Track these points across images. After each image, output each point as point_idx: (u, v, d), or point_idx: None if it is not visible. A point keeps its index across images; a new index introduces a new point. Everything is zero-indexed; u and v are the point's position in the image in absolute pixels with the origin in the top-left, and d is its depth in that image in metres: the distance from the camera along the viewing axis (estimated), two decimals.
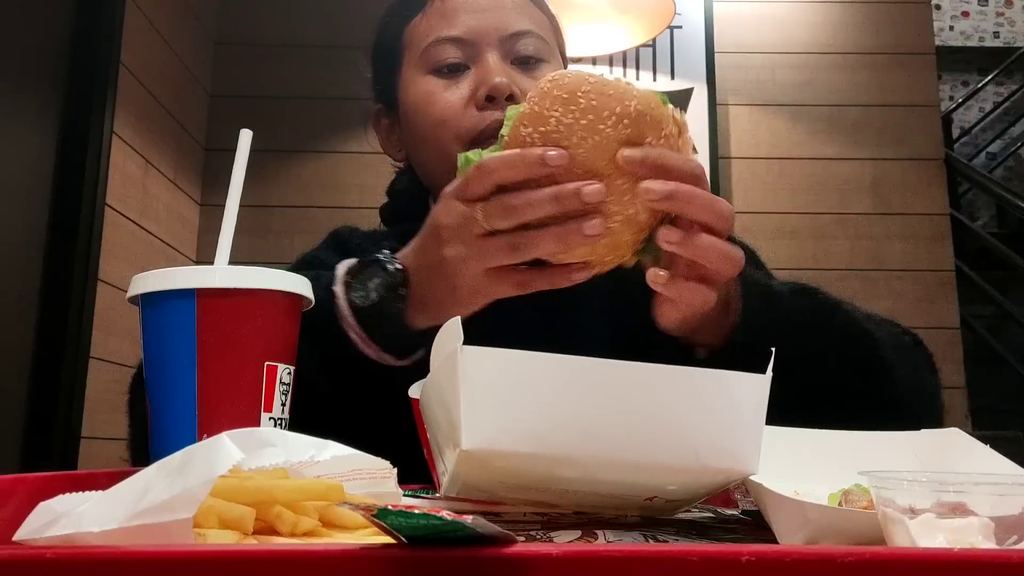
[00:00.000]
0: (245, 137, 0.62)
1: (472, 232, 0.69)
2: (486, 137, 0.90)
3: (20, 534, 0.40)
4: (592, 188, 0.65)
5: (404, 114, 1.01)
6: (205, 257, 3.00)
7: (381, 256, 0.78)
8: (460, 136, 0.93)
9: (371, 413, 0.76)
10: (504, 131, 0.69)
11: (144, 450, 0.59)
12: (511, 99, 0.92)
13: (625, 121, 0.65)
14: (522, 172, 0.66)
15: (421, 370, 0.75)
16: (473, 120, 0.92)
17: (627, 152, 0.65)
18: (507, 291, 0.71)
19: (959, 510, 0.38)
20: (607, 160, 0.65)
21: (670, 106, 0.68)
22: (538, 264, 0.70)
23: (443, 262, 0.72)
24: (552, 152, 0.65)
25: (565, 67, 1.07)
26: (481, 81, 0.93)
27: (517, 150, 0.66)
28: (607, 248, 0.67)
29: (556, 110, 0.65)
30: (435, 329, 0.74)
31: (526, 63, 0.97)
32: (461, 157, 0.71)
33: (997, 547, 0.37)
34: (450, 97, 0.94)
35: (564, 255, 0.67)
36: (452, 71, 0.96)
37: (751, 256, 1.03)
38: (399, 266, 0.77)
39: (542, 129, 0.66)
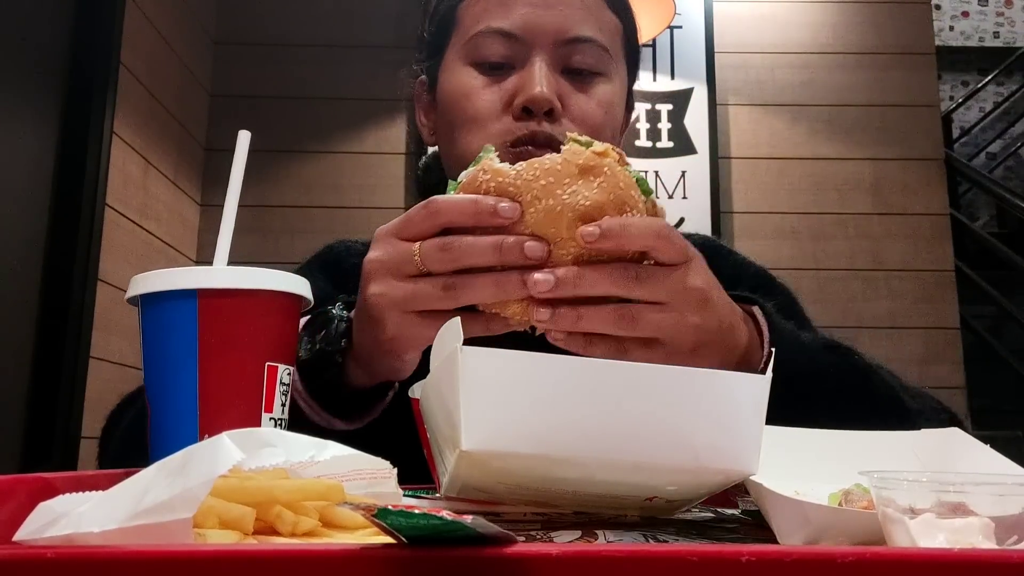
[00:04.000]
0: (244, 138, 0.62)
1: (404, 271, 0.64)
2: (517, 146, 0.86)
3: (20, 534, 0.40)
4: (535, 244, 0.61)
5: (440, 101, 0.95)
6: (205, 257, 3.00)
7: (331, 307, 0.74)
8: (490, 140, 0.86)
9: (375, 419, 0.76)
10: (464, 173, 0.65)
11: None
12: (550, 114, 0.86)
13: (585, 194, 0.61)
14: (470, 219, 0.62)
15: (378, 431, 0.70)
16: (507, 126, 0.87)
17: (584, 230, 0.60)
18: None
19: (959, 510, 0.38)
20: (555, 228, 0.61)
21: (640, 194, 0.63)
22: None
23: (367, 303, 0.65)
24: (505, 204, 0.61)
25: (635, 74, 1.00)
26: (521, 88, 0.87)
27: (471, 196, 0.63)
28: None
29: (519, 163, 0.63)
30: (378, 388, 0.71)
31: (579, 75, 0.90)
32: (484, 151, 0.66)
33: (997, 547, 0.37)
34: (487, 97, 0.88)
35: (498, 308, 0.62)
36: (495, 69, 0.89)
37: (789, 302, 0.96)
38: (344, 314, 0.72)
39: (500, 179, 0.63)
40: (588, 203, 0.61)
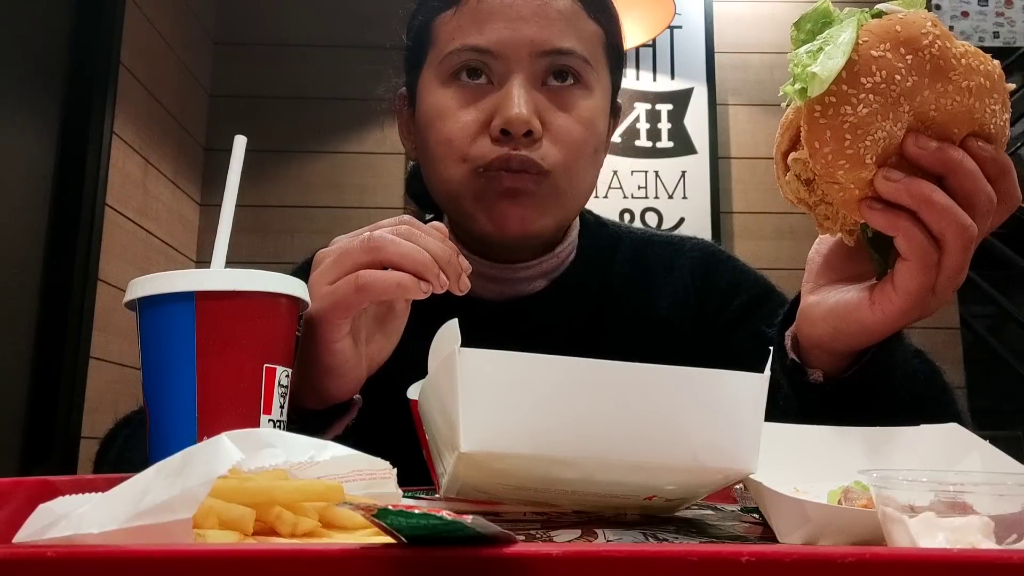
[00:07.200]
0: (240, 143, 0.63)
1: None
2: (492, 169, 0.85)
3: (20, 536, 0.40)
4: (466, 281, 0.68)
5: (418, 119, 0.94)
6: (205, 257, 3.00)
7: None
8: (465, 159, 0.86)
9: (371, 417, 0.76)
10: (895, 7, 0.60)
11: None
12: (529, 135, 0.85)
13: (960, 95, 0.59)
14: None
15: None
16: (483, 150, 0.86)
17: (986, 147, 0.60)
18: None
19: (959, 509, 0.38)
20: (959, 128, 0.60)
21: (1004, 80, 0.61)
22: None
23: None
24: (466, 283, 0.68)
25: (619, 77, 0.98)
26: (499, 109, 0.85)
27: (456, 260, 0.68)
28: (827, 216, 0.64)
29: (964, 42, 0.60)
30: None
31: (558, 90, 0.88)
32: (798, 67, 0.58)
33: (997, 546, 0.37)
34: (464, 118, 0.87)
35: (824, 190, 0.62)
36: (472, 76, 0.88)
37: None
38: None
39: (947, 46, 0.59)
40: (994, 129, 0.61)
